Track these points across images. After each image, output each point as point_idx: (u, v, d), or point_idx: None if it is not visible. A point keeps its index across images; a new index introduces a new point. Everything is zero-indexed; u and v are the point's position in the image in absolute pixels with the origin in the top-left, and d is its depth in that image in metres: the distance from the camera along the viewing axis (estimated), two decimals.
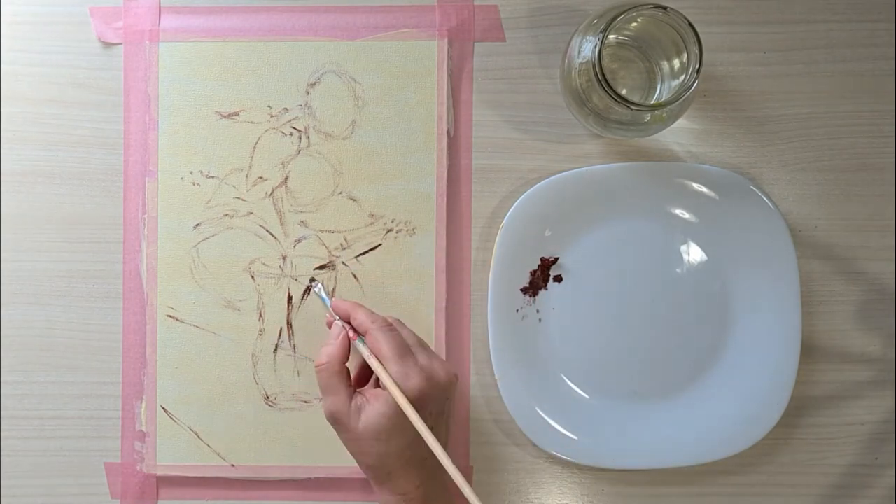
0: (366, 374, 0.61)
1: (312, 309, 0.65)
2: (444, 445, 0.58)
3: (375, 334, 0.57)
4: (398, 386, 0.55)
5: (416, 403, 0.55)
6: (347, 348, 0.59)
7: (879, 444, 0.66)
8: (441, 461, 0.54)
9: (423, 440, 0.55)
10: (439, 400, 0.57)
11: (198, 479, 0.65)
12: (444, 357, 0.65)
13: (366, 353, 0.58)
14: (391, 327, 0.58)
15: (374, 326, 0.58)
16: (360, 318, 0.59)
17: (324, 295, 0.63)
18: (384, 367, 0.56)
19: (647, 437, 0.64)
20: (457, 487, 0.54)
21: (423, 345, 0.60)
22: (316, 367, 0.58)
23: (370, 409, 0.56)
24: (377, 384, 0.60)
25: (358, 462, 0.59)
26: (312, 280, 0.65)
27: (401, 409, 0.55)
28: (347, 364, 0.59)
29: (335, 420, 0.57)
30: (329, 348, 0.58)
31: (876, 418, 0.66)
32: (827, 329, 0.66)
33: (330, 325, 0.60)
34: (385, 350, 0.57)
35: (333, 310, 0.60)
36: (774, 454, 0.66)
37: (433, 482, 0.58)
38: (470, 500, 0.53)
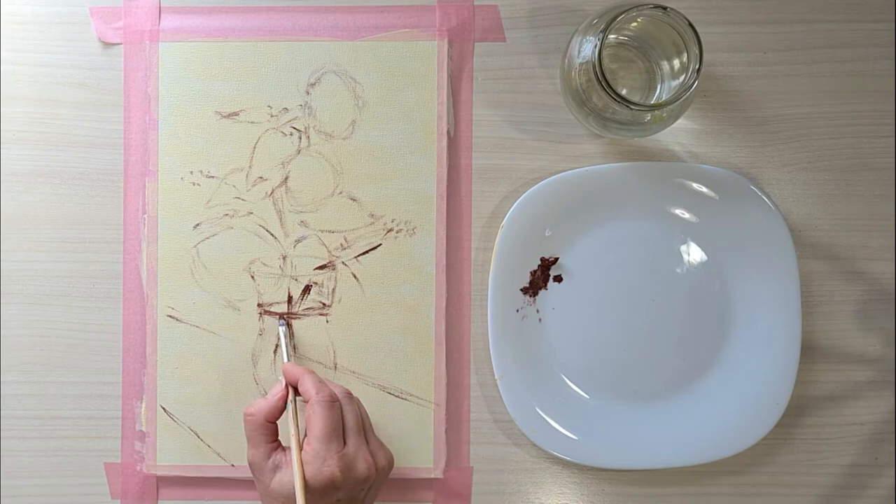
0: None
1: (312, 309, 0.65)
2: None
3: (314, 407, 0.57)
4: (302, 467, 0.55)
5: (324, 488, 0.55)
6: (280, 409, 0.59)
7: (879, 444, 0.66)
8: None
9: None
10: (353, 490, 0.56)
11: (198, 479, 0.65)
12: (444, 357, 0.65)
13: (292, 421, 0.58)
14: (333, 404, 0.57)
15: (316, 398, 0.57)
16: (305, 386, 0.58)
17: (284, 343, 0.63)
18: (299, 445, 0.56)
19: (647, 437, 0.64)
20: None
21: (362, 429, 0.58)
22: (244, 415, 0.58)
23: (285, 473, 0.56)
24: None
25: None
26: (281, 318, 0.65)
27: (312, 485, 0.55)
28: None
29: (252, 468, 0.58)
30: (262, 402, 0.59)
31: (876, 418, 0.66)
32: (827, 329, 0.66)
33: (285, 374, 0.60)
34: (315, 426, 0.56)
35: (283, 373, 0.60)
36: (774, 454, 0.66)
37: None
38: None
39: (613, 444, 0.64)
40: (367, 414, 0.60)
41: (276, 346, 0.65)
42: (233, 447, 0.65)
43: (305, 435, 0.57)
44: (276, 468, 0.57)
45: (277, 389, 0.59)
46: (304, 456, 0.56)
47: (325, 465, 0.55)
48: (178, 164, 0.65)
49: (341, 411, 0.58)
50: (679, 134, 0.65)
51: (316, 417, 0.56)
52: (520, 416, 0.64)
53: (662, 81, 0.62)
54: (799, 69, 0.65)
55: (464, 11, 0.65)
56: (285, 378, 0.60)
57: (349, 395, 0.59)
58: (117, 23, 0.66)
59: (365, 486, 0.57)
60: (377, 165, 0.65)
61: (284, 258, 0.65)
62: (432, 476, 0.65)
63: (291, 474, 0.56)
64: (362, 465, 0.56)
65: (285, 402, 0.59)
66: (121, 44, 0.66)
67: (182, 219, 0.65)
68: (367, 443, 0.58)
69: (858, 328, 0.66)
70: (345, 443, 0.57)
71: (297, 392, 0.59)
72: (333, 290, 0.65)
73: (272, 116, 0.65)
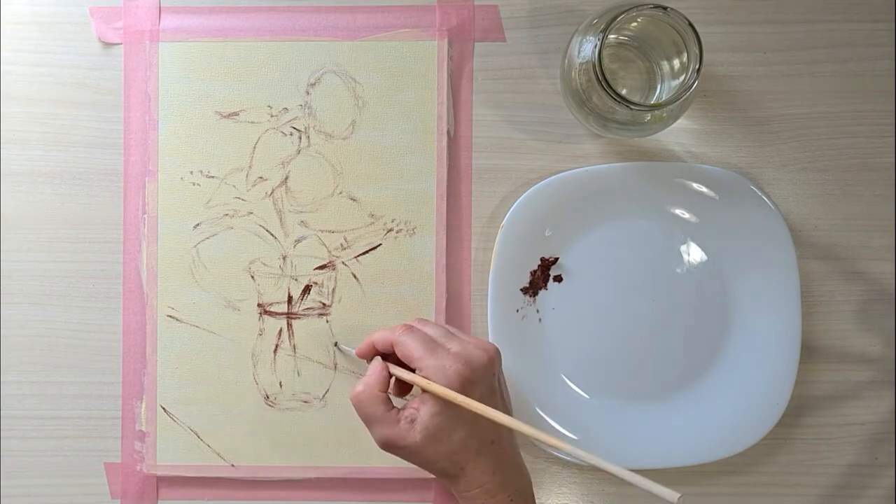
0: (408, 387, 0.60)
1: (312, 309, 0.65)
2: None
3: (399, 339, 0.56)
4: (436, 382, 0.54)
5: (462, 390, 0.54)
6: (385, 378, 0.57)
7: (879, 444, 0.66)
8: (511, 425, 0.53)
9: (483, 424, 0.54)
10: (485, 378, 0.55)
11: (198, 479, 0.65)
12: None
13: (396, 371, 0.57)
14: (411, 328, 0.57)
15: (395, 335, 0.57)
16: (379, 336, 0.58)
17: (347, 349, 0.64)
18: (417, 370, 0.55)
19: (647, 437, 0.64)
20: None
21: (451, 332, 0.58)
22: (353, 399, 0.57)
23: (422, 415, 0.55)
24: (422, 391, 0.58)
25: (430, 471, 0.57)
26: (335, 344, 0.65)
27: (450, 403, 0.54)
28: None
29: (391, 445, 0.56)
30: (365, 377, 0.57)
31: (876, 418, 0.66)
32: (827, 329, 0.66)
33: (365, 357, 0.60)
34: (413, 351, 0.55)
35: (358, 355, 0.60)
36: (774, 454, 0.66)
37: (507, 465, 0.56)
38: (557, 444, 0.52)
39: (613, 444, 0.64)
40: (452, 326, 0.60)
41: (277, 346, 0.65)
42: (233, 447, 0.65)
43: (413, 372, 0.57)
44: (412, 420, 0.55)
45: (373, 365, 0.58)
46: (426, 377, 0.55)
47: (447, 371, 0.54)
48: (178, 164, 0.65)
49: (422, 331, 0.57)
50: (679, 134, 0.65)
51: (408, 345, 0.56)
52: (520, 416, 0.64)
53: (662, 81, 0.62)
54: (799, 69, 0.65)
55: (464, 11, 0.65)
56: (365, 355, 0.59)
57: (421, 320, 0.60)
58: (117, 23, 0.66)
59: (492, 370, 0.56)
60: (377, 165, 0.65)
61: (284, 258, 0.65)
62: (432, 476, 0.65)
63: (428, 412, 0.54)
64: (477, 353, 0.56)
65: (387, 371, 0.58)
66: (121, 44, 0.66)
67: (182, 219, 0.65)
68: (467, 339, 0.57)
69: (858, 328, 0.66)
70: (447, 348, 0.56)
71: (383, 357, 0.59)
72: (333, 290, 0.65)
73: (272, 116, 0.65)
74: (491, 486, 0.55)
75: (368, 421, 0.56)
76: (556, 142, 0.66)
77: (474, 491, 0.55)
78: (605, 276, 0.65)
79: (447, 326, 0.60)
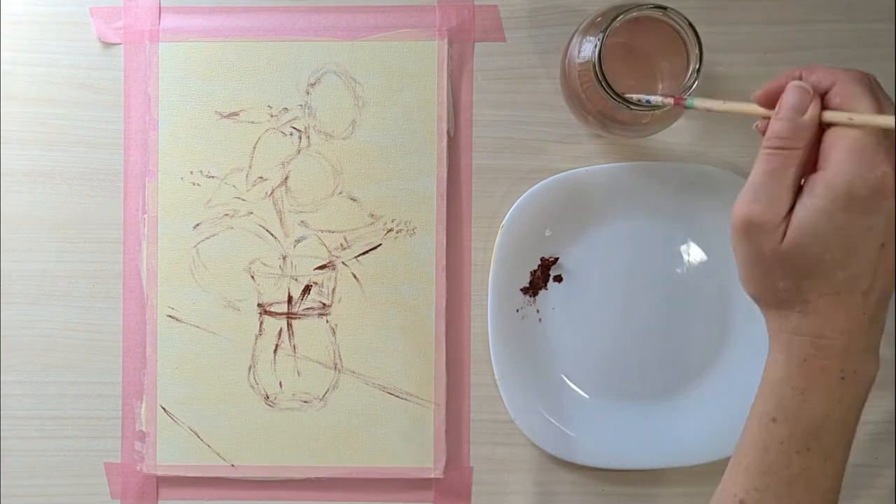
0: None
1: (312, 309, 0.65)
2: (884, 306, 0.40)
3: (849, 87, 0.41)
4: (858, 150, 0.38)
5: (871, 194, 0.39)
6: (817, 125, 0.40)
7: (879, 444, 0.66)
8: None
9: (863, 262, 0.39)
10: None
11: (198, 479, 0.65)
12: (444, 357, 0.65)
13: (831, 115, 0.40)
14: (872, 82, 0.41)
15: (845, 77, 0.41)
16: (817, 72, 0.43)
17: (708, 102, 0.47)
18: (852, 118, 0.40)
19: (647, 437, 0.64)
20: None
21: None
22: (768, 146, 0.41)
23: (802, 206, 0.40)
24: None
25: (752, 285, 0.43)
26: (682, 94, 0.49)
27: (845, 207, 0.39)
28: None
29: (751, 226, 0.41)
30: (791, 122, 0.40)
31: (876, 418, 0.66)
32: None
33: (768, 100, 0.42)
34: (861, 105, 0.40)
35: (766, 91, 0.43)
36: None
37: (861, 335, 0.41)
38: None
39: (613, 444, 0.64)
40: None
41: (277, 346, 0.65)
42: (233, 447, 0.65)
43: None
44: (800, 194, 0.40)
45: (797, 99, 0.41)
46: (844, 148, 0.39)
47: (875, 157, 0.39)
48: (178, 164, 0.65)
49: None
50: (679, 134, 0.65)
51: (859, 95, 0.40)
52: (520, 416, 0.64)
53: (662, 81, 0.62)
54: None
55: (464, 11, 0.65)
56: (770, 92, 0.42)
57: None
58: (117, 23, 0.66)
59: None
60: (377, 165, 0.65)
61: (284, 258, 0.65)
62: (432, 476, 0.65)
63: (811, 205, 0.39)
64: None
65: (818, 116, 0.42)
66: (121, 44, 0.66)
67: (182, 219, 0.65)
68: None
69: None
70: None
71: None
72: (333, 290, 0.65)
73: (272, 116, 0.65)
74: (829, 343, 0.41)
75: (763, 182, 0.42)
76: (556, 142, 0.66)
77: (803, 337, 0.41)
78: (605, 276, 0.65)
79: None
